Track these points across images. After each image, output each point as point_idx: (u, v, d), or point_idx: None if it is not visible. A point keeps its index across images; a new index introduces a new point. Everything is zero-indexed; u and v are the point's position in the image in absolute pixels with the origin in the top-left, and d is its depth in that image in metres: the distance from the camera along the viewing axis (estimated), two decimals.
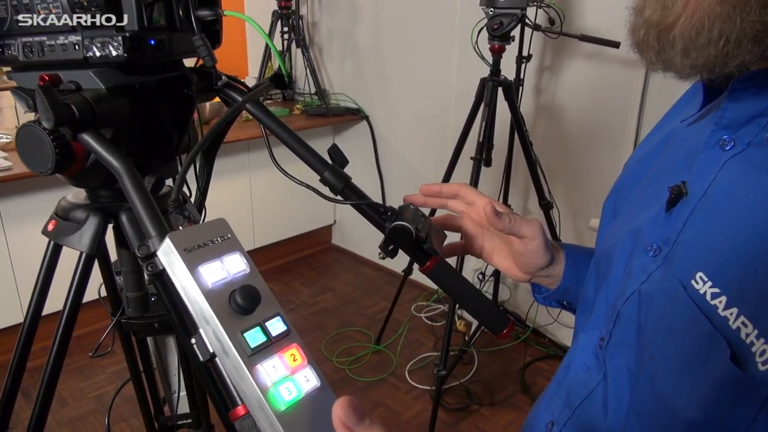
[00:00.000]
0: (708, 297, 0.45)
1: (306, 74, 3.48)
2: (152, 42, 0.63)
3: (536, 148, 2.23)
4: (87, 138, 0.60)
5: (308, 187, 0.74)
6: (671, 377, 0.47)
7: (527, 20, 2.07)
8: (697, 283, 0.46)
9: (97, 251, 0.71)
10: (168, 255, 0.48)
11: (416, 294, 3.15)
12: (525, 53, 2.24)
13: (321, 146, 0.81)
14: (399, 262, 3.00)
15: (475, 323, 2.77)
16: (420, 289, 3.19)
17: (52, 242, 0.76)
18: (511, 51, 2.13)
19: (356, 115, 3.33)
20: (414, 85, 3.06)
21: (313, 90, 3.45)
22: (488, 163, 2.17)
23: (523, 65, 2.26)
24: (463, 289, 0.77)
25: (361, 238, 3.58)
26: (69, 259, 0.79)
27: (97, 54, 0.63)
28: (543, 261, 0.71)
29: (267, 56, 3.33)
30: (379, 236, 0.74)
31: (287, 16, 3.29)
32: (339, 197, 0.77)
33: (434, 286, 3.17)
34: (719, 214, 0.48)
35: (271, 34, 3.31)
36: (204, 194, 0.88)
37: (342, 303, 3.13)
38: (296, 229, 3.55)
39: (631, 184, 0.65)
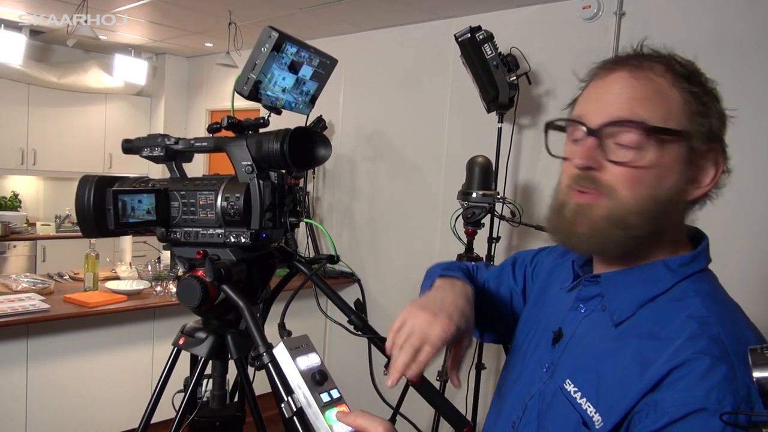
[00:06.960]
0: (572, 393, 0.85)
1: (307, 241, 4.03)
2: (264, 235, 1.11)
3: None
4: (225, 287, 1.05)
5: (341, 325, 1.18)
6: None
7: (495, 212, 2.64)
8: (568, 385, 0.87)
9: (209, 357, 1.12)
10: (281, 351, 0.91)
11: None
12: (495, 235, 2.79)
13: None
14: None
15: None
16: None
17: (175, 350, 1.17)
18: (483, 232, 2.68)
19: (350, 278, 3.82)
20: (402, 257, 3.60)
21: (312, 255, 3.97)
22: None
23: (493, 244, 2.80)
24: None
25: None
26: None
27: (232, 240, 1.10)
28: None
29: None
30: None
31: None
32: (359, 332, 1.20)
33: None
34: (579, 349, 0.89)
35: None
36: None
37: None
38: None
39: (531, 319, 1.04)
